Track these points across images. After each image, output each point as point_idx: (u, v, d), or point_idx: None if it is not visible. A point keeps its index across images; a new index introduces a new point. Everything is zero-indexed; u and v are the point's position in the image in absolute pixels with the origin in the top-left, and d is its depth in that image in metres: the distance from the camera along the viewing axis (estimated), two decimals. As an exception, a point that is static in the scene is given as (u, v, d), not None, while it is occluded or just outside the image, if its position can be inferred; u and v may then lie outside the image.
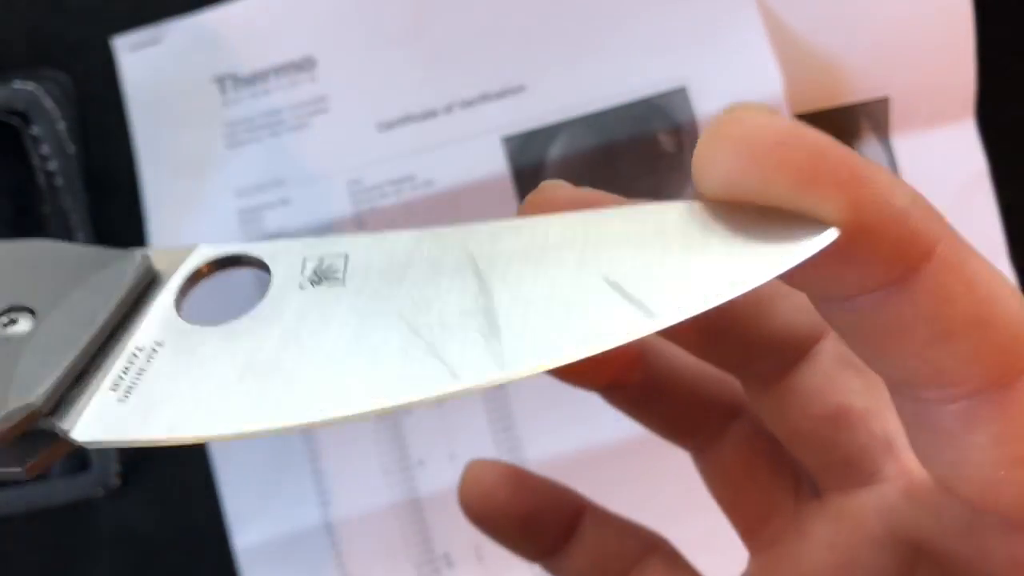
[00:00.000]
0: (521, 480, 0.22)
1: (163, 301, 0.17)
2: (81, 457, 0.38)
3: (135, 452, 0.40)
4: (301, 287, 0.16)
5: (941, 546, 0.17)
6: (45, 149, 0.37)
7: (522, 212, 0.18)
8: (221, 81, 0.40)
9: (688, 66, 0.39)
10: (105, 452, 0.37)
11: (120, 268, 0.17)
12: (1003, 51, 0.40)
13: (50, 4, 0.40)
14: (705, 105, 0.38)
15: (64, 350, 0.16)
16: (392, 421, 0.40)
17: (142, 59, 0.39)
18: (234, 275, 0.40)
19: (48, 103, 0.37)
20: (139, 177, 0.39)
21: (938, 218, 0.15)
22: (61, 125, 0.37)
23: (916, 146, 0.41)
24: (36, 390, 0.15)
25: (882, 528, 0.18)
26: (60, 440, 0.15)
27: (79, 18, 0.40)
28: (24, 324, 0.16)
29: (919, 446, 0.16)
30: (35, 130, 0.36)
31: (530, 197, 0.18)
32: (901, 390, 0.16)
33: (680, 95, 0.38)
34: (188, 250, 0.17)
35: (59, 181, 0.37)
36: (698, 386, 0.20)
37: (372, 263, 0.16)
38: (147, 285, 0.17)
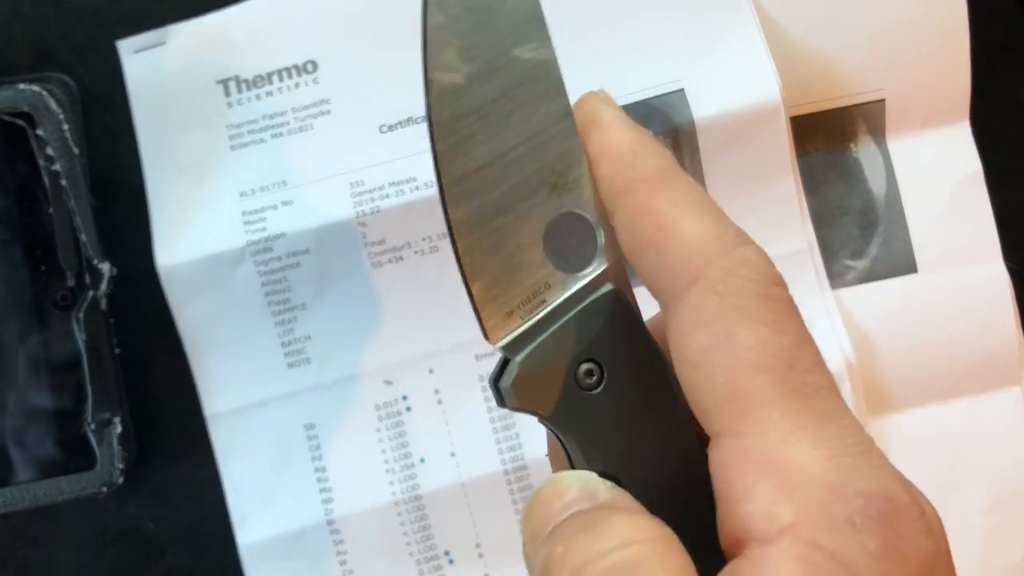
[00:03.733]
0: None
1: None
2: (85, 455, 0.38)
3: (139, 450, 0.40)
4: None
5: None
6: (50, 150, 0.37)
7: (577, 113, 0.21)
8: (225, 83, 0.40)
9: (685, 68, 0.39)
10: (109, 450, 0.38)
11: None
12: (997, 53, 0.41)
13: (55, 7, 0.40)
14: (702, 107, 0.38)
15: None
16: (394, 419, 0.40)
17: (146, 61, 0.40)
18: (236, 273, 0.40)
19: (53, 105, 0.37)
20: (143, 178, 0.40)
21: (646, 168, 0.20)
22: (66, 127, 0.37)
23: (911, 147, 0.41)
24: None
25: None
26: None
27: (84, 21, 0.40)
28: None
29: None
30: (40, 131, 0.37)
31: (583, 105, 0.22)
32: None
33: (678, 97, 0.39)
34: None
35: (64, 182, 0.37)
36: None
37: None
38: None
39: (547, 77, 0.21)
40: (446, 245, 0.39)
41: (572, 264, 0.21)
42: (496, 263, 0.20)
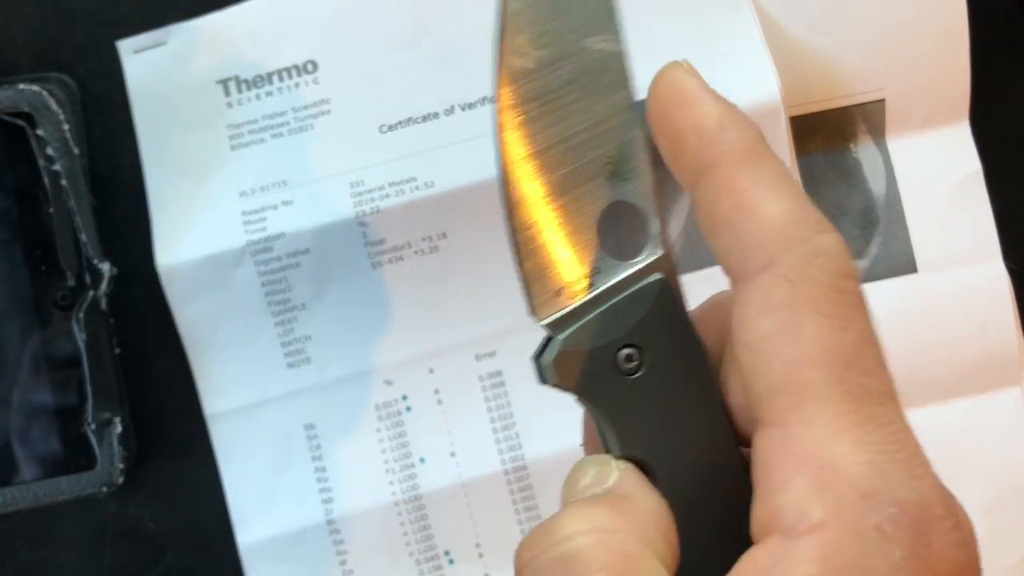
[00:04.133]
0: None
1: None
2: (86, 455, 0.38)
3: (139, 450, 0.40)
4: None
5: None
6: (50, 150, 0.37)
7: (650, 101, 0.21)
8: (225, 83, 0.40)
9: (686, 68, 0.39)
10: (109, 450, 0.38)
11: None
12: (997, 53, 0.41)
13: (55, 7, 0.40)
14: (703, 107, 0.38)
15: None
16: (394, 419, 0.40)
17: (146, 61, 0.40)
18: (236, 273, 0.40)
19: (53, 105, 0.37)
20: (143, 178, 0.40)
21: (732, 143, 0.20)
22: (66, 127, 0.37)
23: (911, 147, 0.41)
24: None
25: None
26: None
27: (84, 21, 0.40)
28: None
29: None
30: (40, 131, 0.37)
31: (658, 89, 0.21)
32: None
33: (678, 97, 0.39)
34: None
35: (64, 182, 0.37)
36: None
37: None
38: None
39: (614, 69, 0.22)
40: (446, 245, 0.39)
41: (623, 251, 0.22)
42: (549, 243, 0.21)
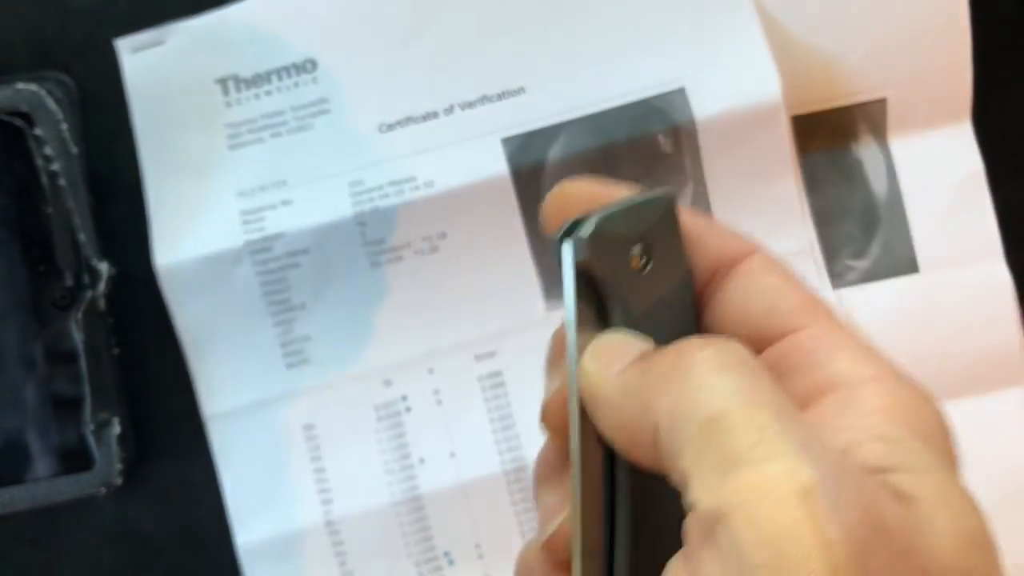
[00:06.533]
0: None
1: None
2: (84, 456, 0.38)
3: (137, 451, 0.40)
4: None
5: None
6: (48, 150, 0.37)
7: (544, 210, 0.23)
8: (223, 82, 0.40)
9: (686, 67, 0.39)
10: (108, 451, 0.38)
11: None
12: (999, 53, 0.41)
13: (53, 6, 0.40)
14: (703, 106, 0.38)
15: None
16: (393, 420, 0.40)
17: (145, 60, 0.40)
18: (235, 273, 0.40)
19: (51, 104, 0.37)
20: (141, 178, 0.40)
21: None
22: (64, 126, 0.37)
23: (913, 147, 0.41)
24: None
25: None
26: None
27: (82, 20, 0.40)
28: None
29: None
30: (38, 131, 0.37)
31: (551, 196, 0.24)
32: None
33: (679, 96, 0.39)
34: None
35: (62, 181, 0.37)
36: None
37: None
38: None
39: None
40: (446, 245, 0.39)
41: None
42: None
